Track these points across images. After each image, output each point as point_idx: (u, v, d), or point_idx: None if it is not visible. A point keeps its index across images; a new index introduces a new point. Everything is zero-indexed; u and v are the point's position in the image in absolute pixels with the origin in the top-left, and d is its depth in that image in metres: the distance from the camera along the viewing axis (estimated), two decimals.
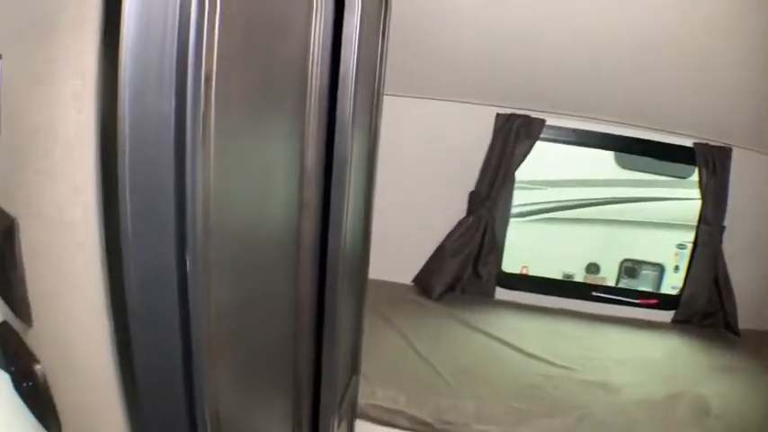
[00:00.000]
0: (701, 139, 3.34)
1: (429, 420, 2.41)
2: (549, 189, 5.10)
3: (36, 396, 1.09)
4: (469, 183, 3.44)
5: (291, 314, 1.19)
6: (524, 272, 3.77)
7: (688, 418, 2.60)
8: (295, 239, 1.14)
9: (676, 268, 4.31)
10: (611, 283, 4.14)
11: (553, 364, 2.90)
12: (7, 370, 1.14)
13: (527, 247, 4.38)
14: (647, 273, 4.40)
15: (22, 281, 0.98)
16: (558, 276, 4.17)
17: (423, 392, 2.53)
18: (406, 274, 3.59)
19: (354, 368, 1.84)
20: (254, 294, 0.99)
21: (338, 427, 1.56)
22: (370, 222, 1.70)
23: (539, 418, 2.48)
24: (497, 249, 3.47)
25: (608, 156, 4.62)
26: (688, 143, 3.37)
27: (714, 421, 2.59)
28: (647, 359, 3.15)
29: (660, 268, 4.41)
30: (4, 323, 1.13)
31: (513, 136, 3.33)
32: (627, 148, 3.61)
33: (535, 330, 3.25)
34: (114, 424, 0.89)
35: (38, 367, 1.06)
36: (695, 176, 3.44)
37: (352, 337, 1.75)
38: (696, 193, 3.47)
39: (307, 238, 1.17)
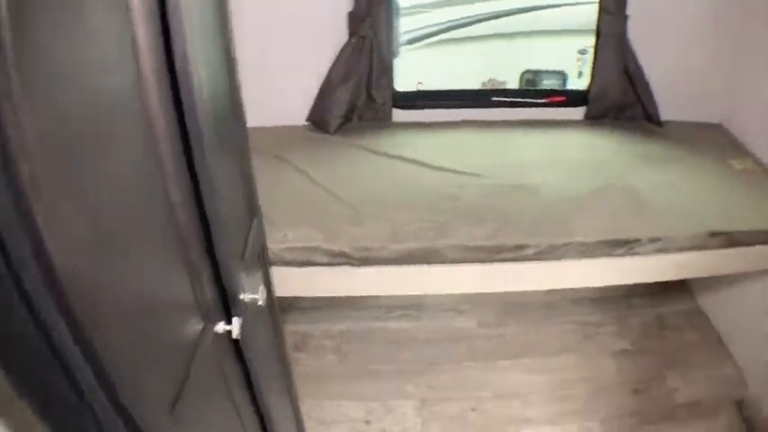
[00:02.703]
0: None
1: (347, 250, 2.31)
2: (436, 11, 4.78)
3: None
4: (346, 2, 3.09)
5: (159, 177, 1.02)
6: (420, 88, 3.53)
7: (623, 210, 2.59)
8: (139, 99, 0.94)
9: (580, 74, 4.19)
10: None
11: (464, 173, 2.81)
12: None
13: (421, 72, 4.14)
14: (549, 82, 4.26)
15: None
16: None
17: (334, 225, 2.41)
18: (299, 115, 3.31)
19: (252, 211, 1.65)
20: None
21: (247, 276, 1.39)
22: (233, 59, 1.43)
23: (460, 227, 2.42)
24: (388, 69, 3.22)
25: None
26: None
27: (648, 210, 2.60)
28: (564, 157, 3.09)
29: (562, 76, 4.27)
30: None
31: None
32: None
33: (439, 145, 3.13)
34: None
35: None
36: None
37: (241, 182, 1.54)
38: None
39: (152, 94, 0.97)
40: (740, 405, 3.18)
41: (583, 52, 4.19)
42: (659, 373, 3.32)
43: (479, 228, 2.40)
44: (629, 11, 3.17)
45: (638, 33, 3.24)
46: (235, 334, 1.29)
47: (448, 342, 3.33)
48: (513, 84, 4.21)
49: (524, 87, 4.20)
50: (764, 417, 3.08)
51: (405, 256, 2.33)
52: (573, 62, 4.30)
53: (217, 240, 1.21)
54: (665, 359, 3.44)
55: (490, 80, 4.23)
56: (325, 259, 2.31)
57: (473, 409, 2.96)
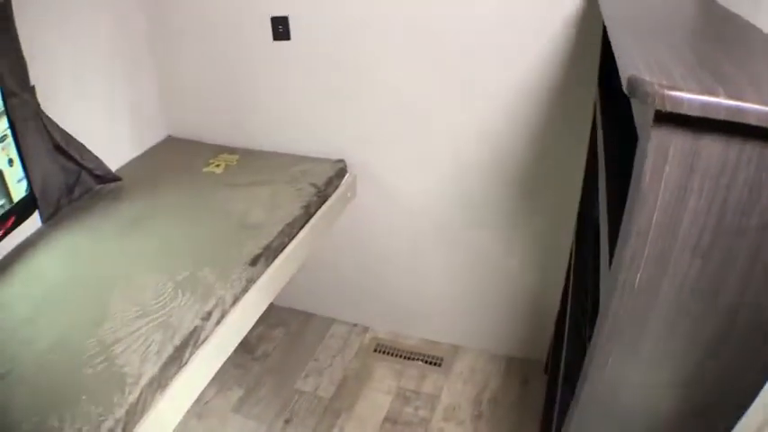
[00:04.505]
0: None
1: None
2: None
3: None
4: None
5: None
6: None
7: (155, 309, 2.08)
8: None
9: (11, 162, 3.62)
10: None
11: None
12: None
13: None
14: None
15: None
16: None
17: None
18: None
19: None
20: None
21: None
22: None
23: None
24: None
25: None
26: None
27: (173, 290, 2.18)
28: (51, 288, 2.34)
29: None
30: None
31: None
32: None
33: None
34: None
35: None
36: None
37: None
38: None
39: None
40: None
41: (2, 140, 3.58)
42: (289, 385, 3.31)
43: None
44: (34, 79, 2.66)
45: (51, 97, 2.82)
46: None
47: None
48: None
49: None
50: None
51: None
52: None
53: None
54: (284, 370, 3.43)
55: None
56: None
57: None
